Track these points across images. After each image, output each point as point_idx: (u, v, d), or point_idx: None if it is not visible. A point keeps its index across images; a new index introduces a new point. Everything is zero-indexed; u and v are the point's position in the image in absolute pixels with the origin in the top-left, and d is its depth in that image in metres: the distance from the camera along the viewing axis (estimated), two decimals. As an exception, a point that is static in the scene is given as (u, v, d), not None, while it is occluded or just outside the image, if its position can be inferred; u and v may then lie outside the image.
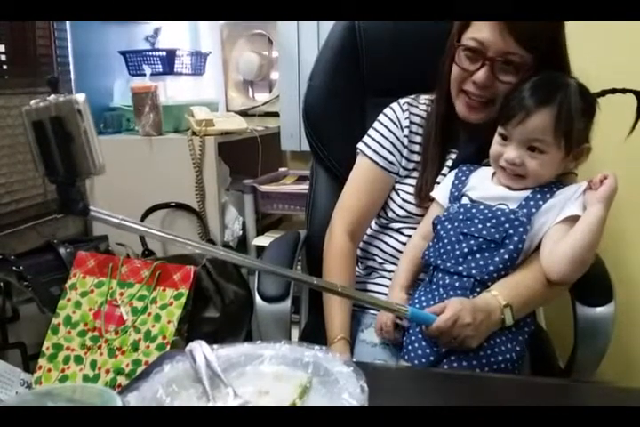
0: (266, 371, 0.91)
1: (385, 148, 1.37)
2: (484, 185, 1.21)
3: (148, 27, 2.55)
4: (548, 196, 1.14)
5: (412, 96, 1.40)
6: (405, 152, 1.36)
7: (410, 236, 1.33)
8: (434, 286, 1.17)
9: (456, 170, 1.27)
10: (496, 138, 1.16)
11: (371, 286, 1.40)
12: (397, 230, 1.38)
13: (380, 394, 0.79)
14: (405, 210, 1.35)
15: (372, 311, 1.36)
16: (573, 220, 1.11)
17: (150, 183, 2.14)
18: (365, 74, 1.59)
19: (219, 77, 2.72)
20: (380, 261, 1.40)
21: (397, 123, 1.37)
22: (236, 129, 2.23)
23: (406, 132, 1.36)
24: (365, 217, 1.38)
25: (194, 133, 2.12)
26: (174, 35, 2.64)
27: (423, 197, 1.32)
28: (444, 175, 1.32)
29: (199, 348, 0.90)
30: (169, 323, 1.61)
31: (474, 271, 1.13)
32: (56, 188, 0.77)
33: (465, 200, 1.21)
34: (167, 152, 2.14)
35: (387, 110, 1.40)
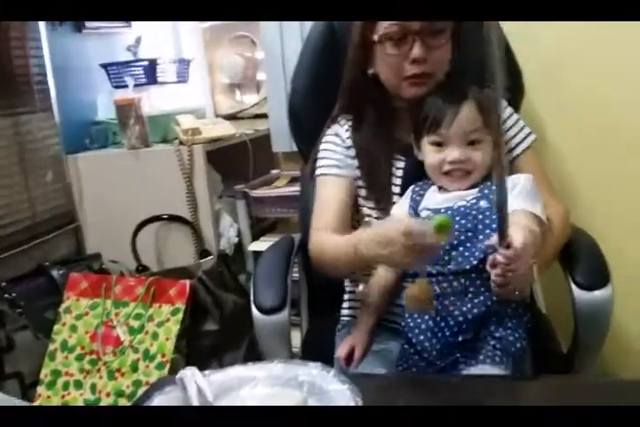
0: (260, 393, 0.89)
1: (340, 160, 1.35)
2: (436, 197, 1.22)
3: (129, 36, 2.51)
4: (493, 188, 1.13)
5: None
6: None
7: None
8: None
9: (410, 189, 1.27)
10: (429, 149, 1.20)
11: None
12: None
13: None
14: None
15: None
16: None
17: (141, 197, 2.11)
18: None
19: (204, 82, 2.68)
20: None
21: (342, 140, 1.36)
22: (223, 135, 2.20)
23: (349, 142, 1.35)
24: (346, 221, 1.34)
25: (181, 143, 2.09)
26: (156, 42, 2.60)
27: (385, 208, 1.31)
28: (398, 186, 1.31)
29: (190, 375, 0.88)
30: (167, 340, 1.59)
31: (463, 264, 1.10)
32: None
33: (425, 213, 1.20)
34: (155, 164, 2.10)
35: (328, 134, 1.39)
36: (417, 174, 1.29)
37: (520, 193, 1.13)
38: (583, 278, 1.24)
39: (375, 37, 1.23)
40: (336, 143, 1.36)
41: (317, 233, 1.32)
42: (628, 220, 1.79)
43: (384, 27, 1.20)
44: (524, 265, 1.00)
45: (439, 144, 1.18)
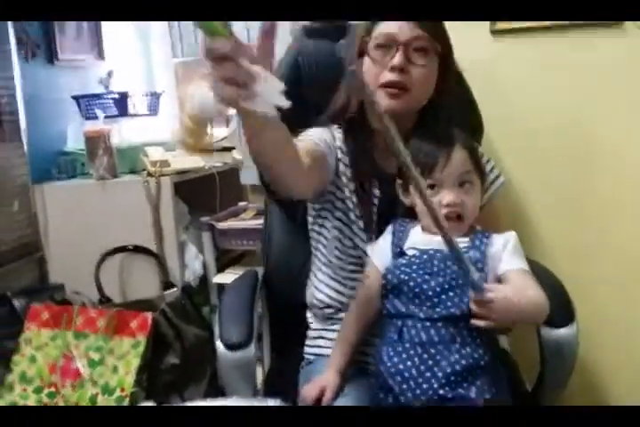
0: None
1: (323, 141, 1.30)
2: (424, 238, 1.19)
3: (101, 69, 2.53)
4: (484, 240, 1.16)
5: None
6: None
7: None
8: (407, 345, 1.09)
9: (392, 226, 1.25)
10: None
11: (327, 334, 1.37)
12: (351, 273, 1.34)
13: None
14: (361, 251, 1.31)
15: None
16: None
17: (107, 227, 2.10)
18: (311, 107, 1.56)
19: (175, 115, 2.70)
20: (335, 307, 1.36)
21: (333, 137, 1.33)
22: (191, 167, 2.22)
23: (339, 144, 1.33)
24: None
25: (149, 174, 2.10)
26: (128, 75, 2.63)
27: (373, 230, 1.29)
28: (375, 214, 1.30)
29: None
30: (127, 374, 1.58)
31: (453, 309, 1.07)
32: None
33: (412, 252, 1.18)
34: (123, 195, 2.11)
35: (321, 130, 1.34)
36: (390, 209, 1.28)
37: (514, 251, 1.15)
38: (549, 316, 1.23)
39: (369, 46, 1.25)
40: (327, 133, 1.32)
41: None
42: (592, 256, 1.80)
43: (375, 35, 1.24)
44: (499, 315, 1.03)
45: (432, 187, 1.15)
